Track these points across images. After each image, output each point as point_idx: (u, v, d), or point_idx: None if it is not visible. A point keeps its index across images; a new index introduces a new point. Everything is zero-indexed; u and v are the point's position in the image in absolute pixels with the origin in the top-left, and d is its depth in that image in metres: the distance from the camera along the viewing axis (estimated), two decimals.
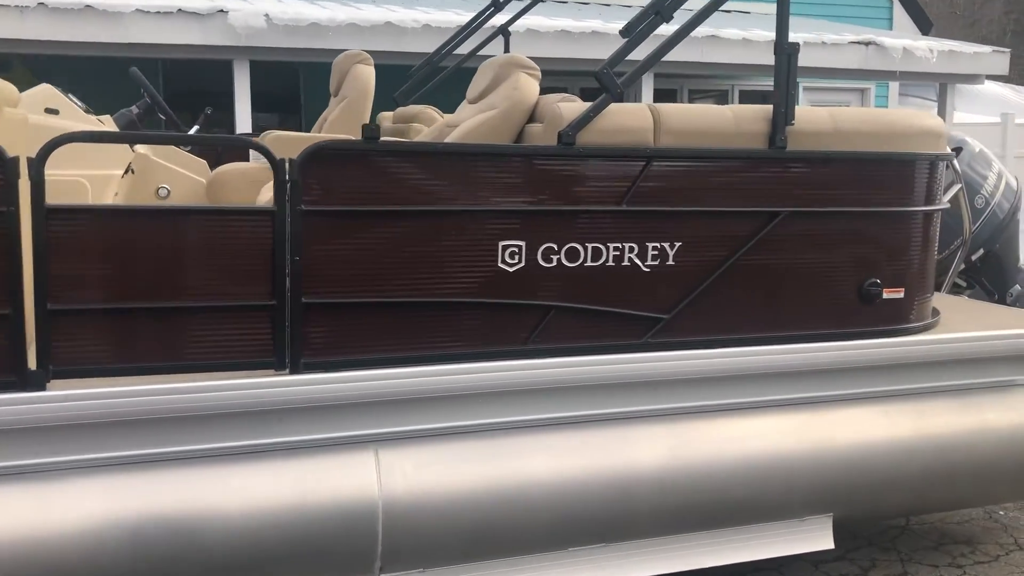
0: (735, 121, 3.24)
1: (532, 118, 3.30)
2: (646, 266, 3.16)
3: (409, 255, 2.88)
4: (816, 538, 3.52)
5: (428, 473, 2.98)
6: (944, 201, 3.78)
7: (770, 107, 3.26)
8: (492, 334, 3.03)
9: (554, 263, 3.05)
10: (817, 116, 3.36)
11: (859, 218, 3.41)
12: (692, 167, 3.16)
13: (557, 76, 10.44)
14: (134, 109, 4.48)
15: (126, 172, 4.05)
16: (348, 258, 2.82)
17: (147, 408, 2.64)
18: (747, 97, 11.41)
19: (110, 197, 3.93)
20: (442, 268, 2.93)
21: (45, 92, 4.08)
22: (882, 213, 3.45)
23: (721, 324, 3.29)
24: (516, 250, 3.00)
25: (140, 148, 4.09)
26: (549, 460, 3.10)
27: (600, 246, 3.09)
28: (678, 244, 3.19)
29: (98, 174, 3.89)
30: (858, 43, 8.96)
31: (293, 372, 2.80)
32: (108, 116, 4.46)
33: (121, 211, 2.72)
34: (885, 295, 3.51)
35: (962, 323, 3.85)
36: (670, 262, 3.19)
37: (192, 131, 4.84)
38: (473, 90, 3.58)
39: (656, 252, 3.17)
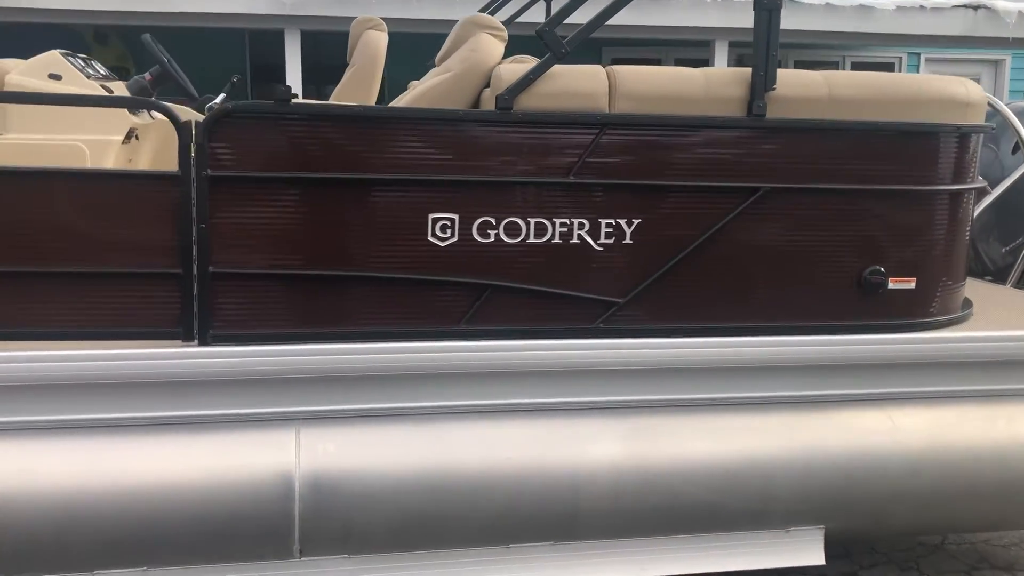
0: (705, 85, 2.90)
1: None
2: (598, 245, 2.88)
3: (326, 226, 2.72)
4: (803, 552, 3.16)
5: (350, 455, 2.82)
6: (980, 180, 3.30)
7: (748, 70, 2.90)
8: (422, 313, 2.83)
9: (492, 239, 2.82)
10: (808, 81, 2.97)
11: (857, 198, 3.00)
12: (653, 136, 2.85)
13: (649, 46, 10.03)
14: (147, 76, 4.48)
15: (127, 139, 4.06)
16: (258, 227, 2.68)
17: (47, 375, 2.59)
18: (859, 69, 10.61)
19: (110, 163, 3.94)
20: (364, 240, 2.75)
21: (50, 58, 4.12)
22: (887, 192, 3.02)
23: (685, 311, 2.97)
24: (448, 223, 2.79)
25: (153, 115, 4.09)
26: (485, 450, 2.89)
27: (544, 221, 2.84)
28: (636, 222, 2.89)
29: (97, 139, 3.91)
30: (965, 7, 8.11)
31: (201, 344, 2.70)
32: (121, 83, 4.49)
33: (28, 173, 2.68)
34: (892, 285, 3.09)
35: (1001, 319, 3.37)
36: (627, 241, 2.90)
37: (218, 99, 4.82)
38: (441, 52, 3.37)
39: (610, 230, 2.88)
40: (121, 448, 2.69)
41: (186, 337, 2.69)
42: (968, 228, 3.30)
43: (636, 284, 2.92)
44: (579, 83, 2.83)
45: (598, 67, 2.88)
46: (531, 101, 2.79)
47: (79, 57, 4.60)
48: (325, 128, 2.68)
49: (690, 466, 2.99)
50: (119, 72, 9.81)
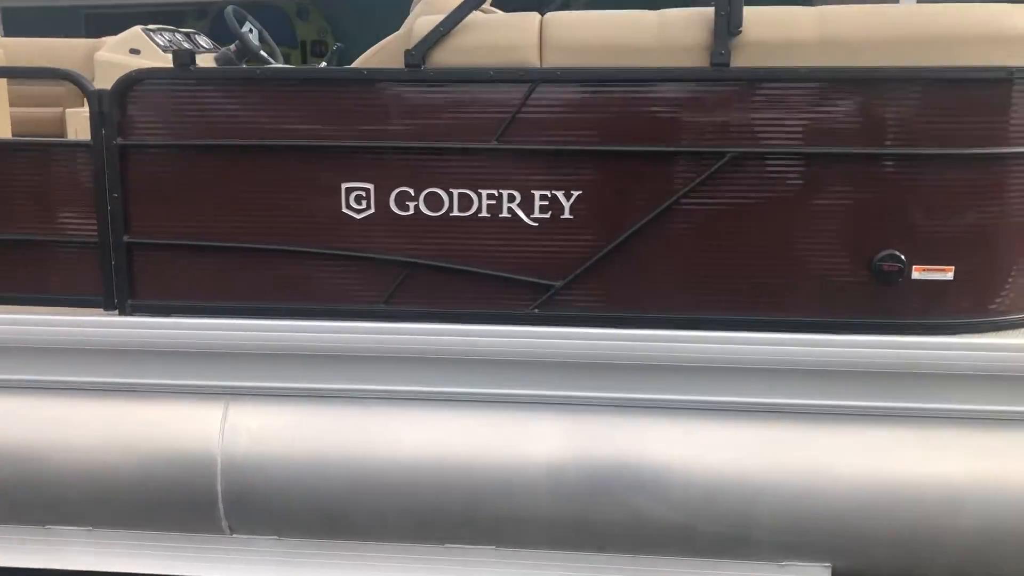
0: (659, 31, 2.43)
1: None
2: (532, 219, 2.53)
3: (238, 196, 2.60)
4: None
5: (273, 434, 2.71)
6: None
7: (710, 10, 2.40)
8: (342, 290, 2.65)
9: (411, 211, 2.57)
10: (793, 20, 2.40)
11: (854, 164, 2.40)
12: (592, 94, 2.44)
13: None
14: (232, 47, 4.61)
15: None
16: (171, 197, 2.62)
17: None
18: None
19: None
20: (278, 212, 2.60)
21: (132, 35, 4.36)
22: (900, 158, 2.39)
23: (635, 298, 2.54)
24: (363, 194, 2.57)
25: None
26: (414, 439, 2.66)
27: (469, 193, 2.53)
28: (576, 194, 2.50)
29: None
30: None
31: (121, 314, 2.70)
32: (210, 55, 4.65)
33: None
34: (917, 275, 2.46)
35: None
36: (565, 216, 2.52)
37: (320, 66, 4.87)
38: None
39: (546, 203, 2.52)
40: (59, 410, 2.77)
41: (107, 306, 2.70)
42: None
43: (577, 265, 2.53)
44: (502, 34, 2.48)
45: (528, 15, 2.51)
46: (447, 56, 2.49)
47: (180, 32, 4.83)
48: (230, 93, 2.55)
49: (645, 475, 2.57)
50: (317, 46, 10.35)
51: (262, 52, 4.60)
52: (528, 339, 2.56)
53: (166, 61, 4.33)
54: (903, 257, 2.43)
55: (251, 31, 4.75)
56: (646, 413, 2.61)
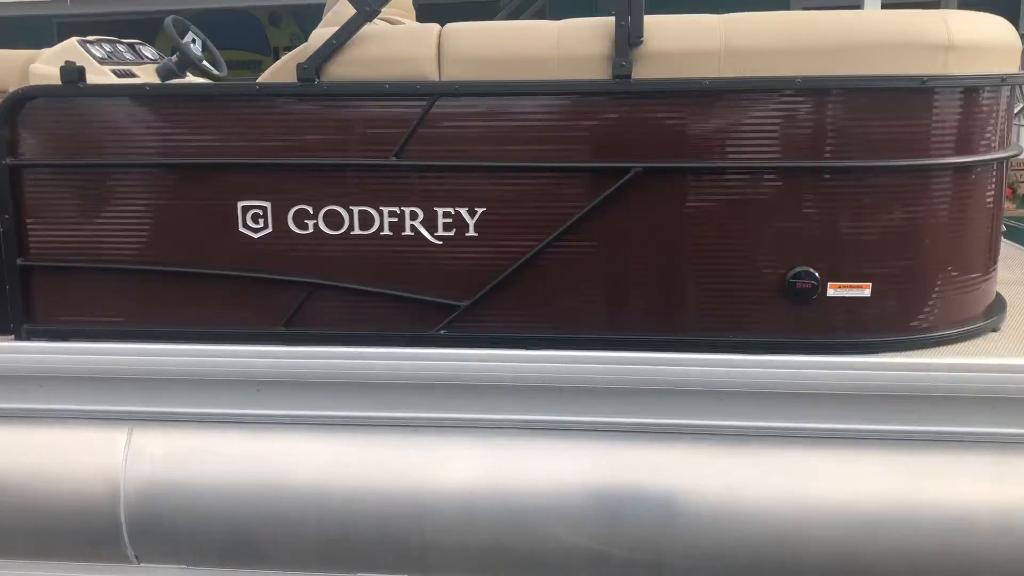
0: (558, 42, 2.34)
1: None
2: (436, 237, 2.44)
3: (133, 216, 2.51)
4: None
5: (177, 460, 2.63)
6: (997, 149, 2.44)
7: (610, 20, 2.31)
8: (243, 313, 2.56)
9: (310, 230, 2.48)
10: (695, 29, 2.31)
11: (765, 177, 2.31)
12: (491, 108, 2.35)
13: None
14: (173, 58, 4.52)
15: None
16: (65, 218, 2.53)
17: None
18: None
19: None
20: (174, 232, 2.51)
21: (67, 46, 4.26)
22: (812, 169, 2.30)
23: (542, 318, 2.45)
24: (260, 212, 2.48)
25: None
26: (318, 465, 2.57)
27: (370, 210, 2.44)
28: (480, 210, 2.41)
29: None
30: None
31: (18, 338, 2.61)
32: (152, 67, 4.55)
33: None
34: (832, 292, 2.36)
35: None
36: (470, 233, 2.43)
37: None
38: None
39: (449, 220, 2.43)
40: None
41: (2, 331, 2.61)
42: (985, 215, 2.47)
43: (483, 284, 2.44)
44: (400, 46, 2.39)
45: (428, 27, 2.42)
46: (342, 70, 2.40)
47: (123, 43, 4.74)
48: (123, 109, 2.47)
49: (558, 500, 2.48)
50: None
51: (204, 63, 4.51)
52: (435, 361, 2.47)
53: (102, 74, 4.24)
54: (816, 274, 2.34)
55: (193, 41, 4.66)
56: (559, 436, 2.52)
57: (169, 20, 4.53)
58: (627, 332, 2.42)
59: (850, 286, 2.36)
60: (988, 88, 2.38)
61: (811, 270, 2.34)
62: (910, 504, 2.37)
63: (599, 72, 2.31)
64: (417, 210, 2.42)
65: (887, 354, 2.37)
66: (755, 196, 2.32)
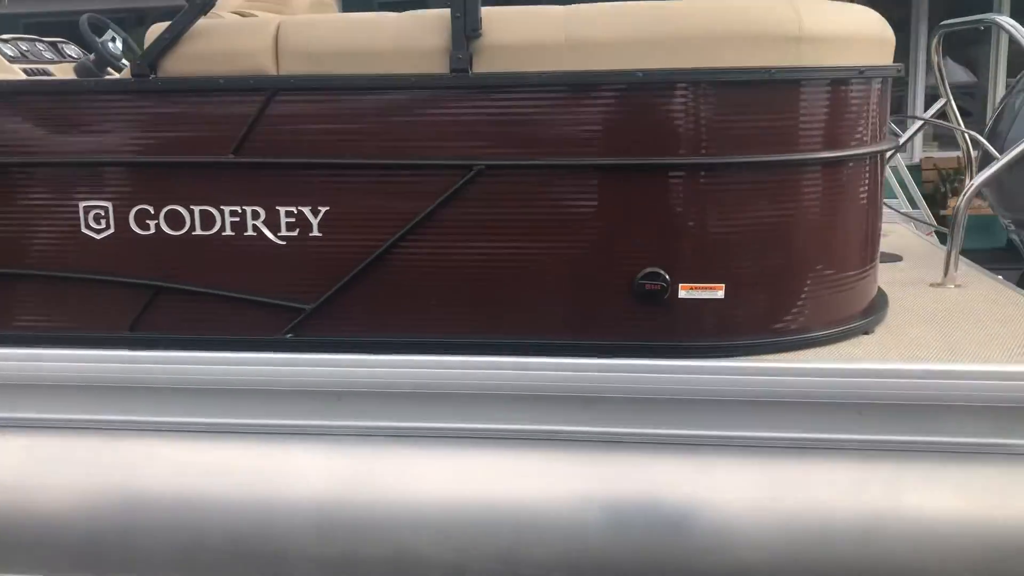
0: (396, 35, 2.26)
1: None
2: (280, 238, 2.36)
3: None
4: None
5: (30, 467, 2.55)
6: (865, 143, 2.35)
7: (446, 12, 2.22)
8: (86, 315, 2.48)
9: (152, 230, 2.40)
10: (538, 21, 2.22)
11: (611, 174, 2.22)
12: (331, 103, 2.27)
13: None
14: (91, 57, 4.45)
15: None
16: None
17: None
18: None
19: None
20: (17, 232, 2.44)
21: None
22: (659, 166, 2.21)
23: (391, 322, 2.37)
24: (102, 212, 2.40)
25: None
26: (164, 472, 2.49)
27: (211, 210, 2.36)
28: (324, 210, 2.33)
29: None
30: None
31: None
32: (69, 66, 4.49)
33: None
34: (684, 293, 2.27)
35: (911, 340, 2.40)
36: (314, 233, 2.35)
37: None
38: None
39: (292, 220, 2.34)
40: None
41: None
42: (857, 211, 2.38)
43: (329, 287, 2.36)
44: (235, 41, 2.31)
45: (266, 19, 2.34)
46: (179, 65, 2.32)
47: (43, 41, 4.67)
48: None
49: (410, 510, 2.40)
50: None
51: (124, 61, 4.44)
52: (280, 367, 2.39)
53: (10, 72, 4.17)
54: (666, 275, 2.25)
55: (113, 39, 4.59)
56: (411, 444, 2.43)
57: (84, 19, 4.46)
58: (475, 335, 2.34)
59: (702, 287, 2.27)
60: (854, 80, 2.29)
61: (660, 271, 2.25)
62: (768, 512, 2.28)
63: (439, 66, 2.23)
64: (259, 209, 2.34)
65: (743, 358, 2.27)
66: (600, 194, 2.23)
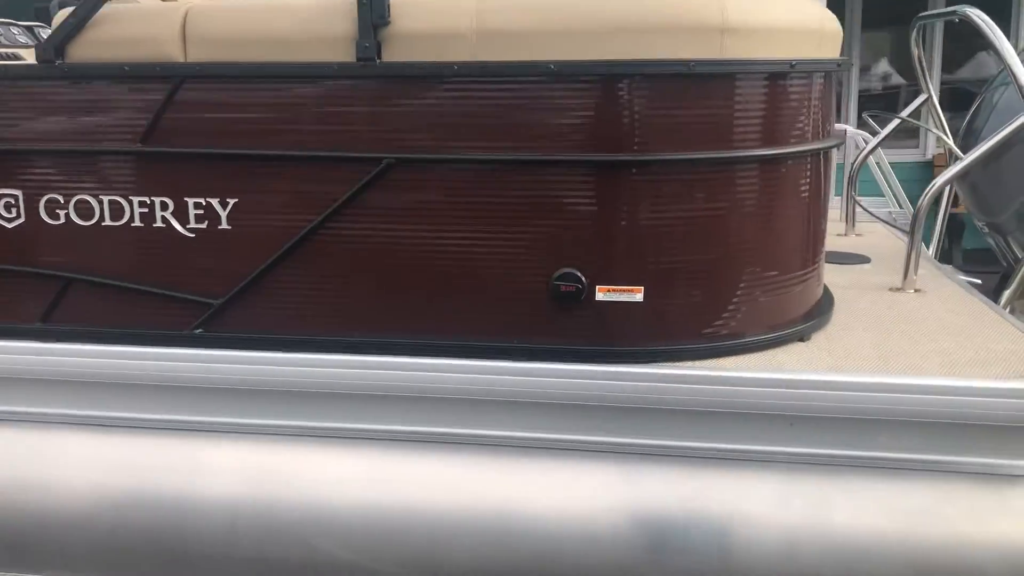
0: (301, 21, 2.17)
1: None
2: (188, 230, 2.29)
3: None
4: None
5: None
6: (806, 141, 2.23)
7: None
8: (1, 307, 2.43)
9: (62, 220, 2.34)
10: (449, 8, 2.12)
11: (524, 169, 2.12)
12: (237, 92, 2.19)
13: None
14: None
15: None
16: None
17: None
18: None
19: None
20: None
21: None
22: (574, 163, 2.11)
23: (301, 319, 2.29)
24: (12, 201, 2.35)
25: None
26: (76, 467, 2.44)
27: (120, 200, 2.30)
28: (232, 202, 2.26)
29: None
30: None
31: None
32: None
33: None
34: (601, 295, 2.17)
35: (841, 349, 2.29)
36: (223, 226, 2.27)
37: None
38: None
39: (201, 212, 2.27)
40: None
41: None
42: (796, 210, 2.27)
43: (238, 281, 2.29)
44: (142, 27, 2.23)
45: (175, 4, 2.26)
46: (86, 51, 2.25)
47: (19, 25, 4.64)
48: None
49: (319, 512, 2.33)
50: None
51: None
52: (189, 363, 2.32)
53: None
54: (582, 276, 2.15)
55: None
56: (325, 444, 2.36)
57: (55, 2, 4.42)
58: (389, 335, 2.25)
59: (620, 289, 2.16)
60: (786, 75, 2.17)
61: (576, 272, 2.15)
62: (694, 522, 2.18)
63: (346, 54, 2.14)
64: (167, 200, 2.27)
65: (662, 364, 2.17)
66: (514, 190, 2.13)
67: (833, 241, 3.75)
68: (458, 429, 2.25)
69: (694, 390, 2.09)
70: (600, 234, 2.14)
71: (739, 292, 2.25)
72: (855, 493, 2.14)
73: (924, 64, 3.59)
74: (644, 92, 2.06)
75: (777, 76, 2.14)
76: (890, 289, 2.87)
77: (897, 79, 10.15)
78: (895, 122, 3.69)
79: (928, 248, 4.09)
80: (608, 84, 2.06)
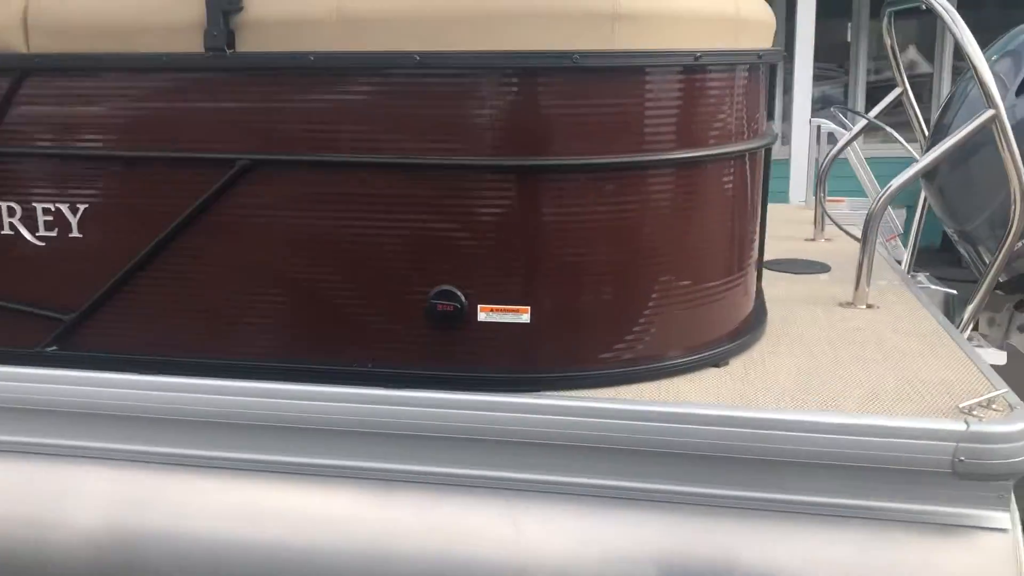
0: (146, 9, 1.94)
1: None
2: (38, 238, 2.08)
3: None
4: None
5: None
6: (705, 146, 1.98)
7: None
8: None
9: None
10: None
11: (395, 175, 1.89)
12: (85, 86, 1.98)
13: None
14: None
15: None
16: None
17: None
18: None
19: None
20: None
21: None
22: (453, 167, 1.87)
23: (157, 338, 2.08)
24: None
25: None
26: None
27: None
28: (82, 207, 2.05)
29: None
30: None
31: None
32: None
33: None
34: (484, 316, 1.94)
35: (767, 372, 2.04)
36: (74, 234, 2.06)
37: None
38: None
39: (50, 218, 2.07)
40: None
41: None
42: (717, 220, 2.03)
43: (90, 295, 2.08)
44: None
45: None
46: None
47: None
48: None
49: (189, 545, 2.12)
50: None
51: None
52: (38, 383, 2.12)
53: None
54: (461, 295, 1.91)
55: None
56: (190, 472, 2.14)
57: None
58: (247, 357, 2.03)
59: (504, 309, 1.93)
60: (700, 68, 1.92)
61: (454, 290, 1.91)
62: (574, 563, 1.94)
63: (197, 44, 1.91)
64: (14, 205, 2.07)
65: (557, 393, 1.93)
66: (382, 197, 1.90)
67: (800, 247, 3.49)
68: (324, 460, 2.03)
69: (562, 422, 1.86)
70: (481, 249, 1.90)
71: (643, 313, 2.01)
72: (758, 536, 1.90)
73: (897, 54, 3.31)
74: (522, 87, 1.82)
75: (680, 70, 1.89)
76: (840, 304, 2.61)
77: (925, 66, 9.72)
78: (862, 124, 3.41)
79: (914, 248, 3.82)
80: (480, 78, 1.82)
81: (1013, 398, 1.87)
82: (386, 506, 2.03)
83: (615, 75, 1.83)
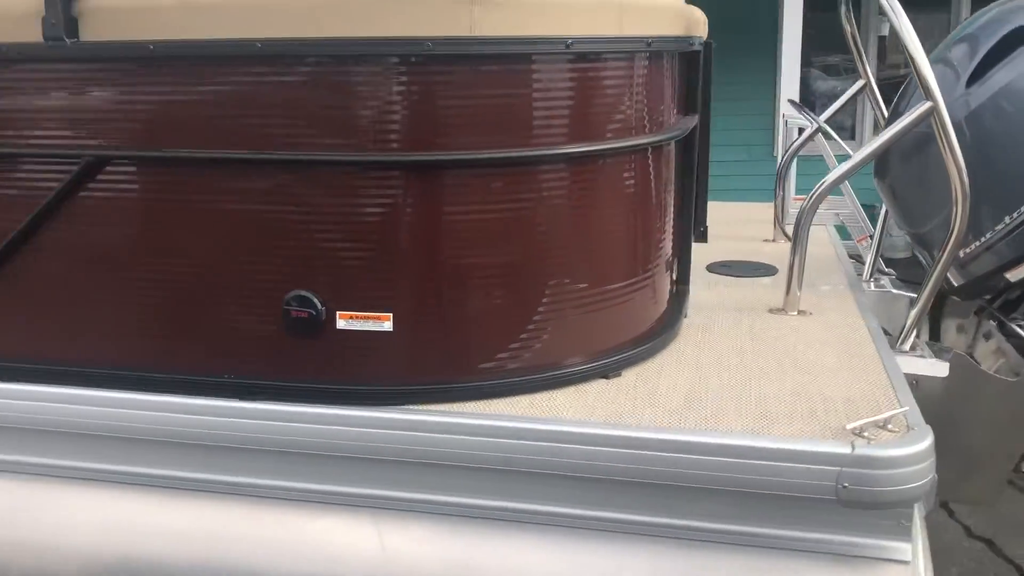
0: None
1: None
2: None
3: None
4: None
5: None
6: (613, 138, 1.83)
7: None
8: None
9: None
10: None
11: (247, 170, 1.76)
12: None
13: None
14: None
15: None
16: None
17: None
18: None
19: None
20: None
21: None
22: (296, 163, 1.74)
23: (12, 340, 1.97)
24: None
25: None
26: None
27: None
28: None
29: None
30: None
31: None
32: None
33: None
34: (343, 323, 1.81)
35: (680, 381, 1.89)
36: None
37: None
38: None
39: None
40: None
41: None
42: (609, 220, 1.89)
43: None
44: None
45: None
46: None
47: None
48: None
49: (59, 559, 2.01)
50: None
51: None
52: None
53: None
54: (316, 300, 1.78)
55: None
56: (48, 482, 2.04)
57: None
58: (93, 364, 1.92)
59: (364, 316, 1.79)
60: (572, 57, 1.77)
61: (309, 295, 1.78)
62: None
63: (36, 33, 1.80)
64: None
65: (413, 408, 1.80)
66: (231, 195, 1.77)
67: (755, 248, 3.31)
68: (184, 473, 1.91)
69: (419, 439, 1.72)
70: (338, 251, 1.77)
71: (530, 319, 1.86)
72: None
73: (859, 44, 3.12)
74: (371, 77, 1.68)
75: (550, 59, 1.74)
76: (771, 310, 2.45)
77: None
78: (811, 129, 3.23)
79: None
80: (325, 67, 1.68)
81: (914, 417, 1.70)
82: (251, 521, 1.91)
83: (470, 63, 1.68)
